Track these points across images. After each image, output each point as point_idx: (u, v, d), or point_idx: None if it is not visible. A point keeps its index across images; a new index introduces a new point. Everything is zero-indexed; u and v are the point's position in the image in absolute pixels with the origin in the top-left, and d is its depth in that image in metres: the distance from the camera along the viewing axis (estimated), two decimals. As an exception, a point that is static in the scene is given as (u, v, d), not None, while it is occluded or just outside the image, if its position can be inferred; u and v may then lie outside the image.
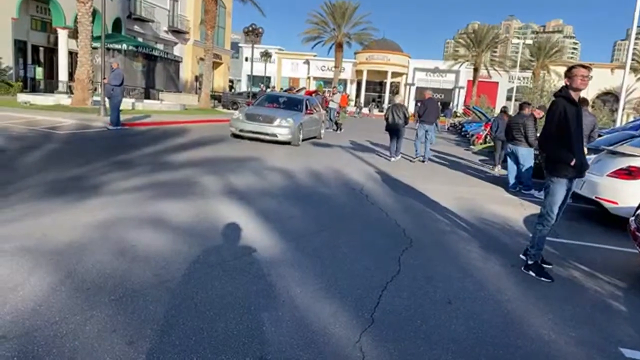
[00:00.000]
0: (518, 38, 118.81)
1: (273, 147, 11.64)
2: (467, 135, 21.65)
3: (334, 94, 20.87)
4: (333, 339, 2.82)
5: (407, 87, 53.08)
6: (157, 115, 16.38)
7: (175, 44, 35.09)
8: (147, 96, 24.36)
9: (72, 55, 22.59)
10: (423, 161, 11.93)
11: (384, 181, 8.50)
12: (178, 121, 15.77)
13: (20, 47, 22.20)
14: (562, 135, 4.02)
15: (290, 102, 14.02)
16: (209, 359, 2.48)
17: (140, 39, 28.90)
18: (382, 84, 53.63)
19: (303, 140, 12.94)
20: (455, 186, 8.78)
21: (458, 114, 41.49)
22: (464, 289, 3.79)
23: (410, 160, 12.09)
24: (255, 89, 36.22)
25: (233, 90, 42.21)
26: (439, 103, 38.79)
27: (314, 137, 14.55)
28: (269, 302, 3.19)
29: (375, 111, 47.27)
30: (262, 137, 11.95)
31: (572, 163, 4.00)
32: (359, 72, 52.91)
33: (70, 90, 20.11)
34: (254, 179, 7.43)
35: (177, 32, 34.78)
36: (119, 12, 26.58)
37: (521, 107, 9.41)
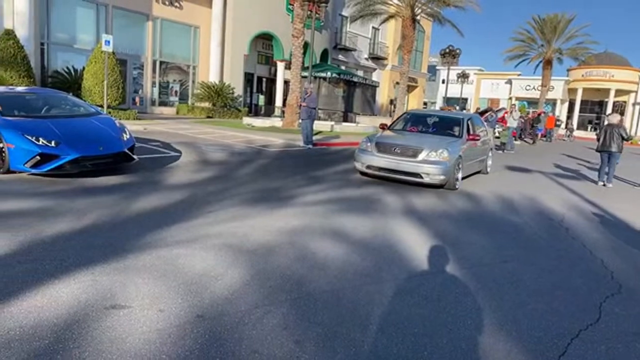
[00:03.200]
0: None
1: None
2: None
3: (511, 111, 18.92)
4: (502, 381, 2.53)
5: (637, 106, 44.75)
6: (349, 137, 17.45)
7: (374, 69, 36.99)
8: (346, 119, 26.20)
9: (287, 84, 25.93)
10: None
11: (592, 213, 7.30)
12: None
13: (248, 78, 26.49)
14: None
15: (444, 124, 9.59)
16: (365, 372, 2.51)
17: (343, 67, 31.40)
18: (601, 104, 46.41)
19: (463, 178, 8.84)
20: (695, 227, 6.96)
21: None
22: (692, 356, 2.97)
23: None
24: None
25: (427, 113, 42.11)
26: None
27: (477, 172, 10.31)
28: (434, 328, 3.05)
29: (593, 134, 41.11)
30: (399, 177, 8.08)
31: None
32: (572, 91, 46.95)
33: (282, 114, 23.04)
34: (435, 200, 7.24)
35: (376, 58, 36.67)
36: (327, 43, 29.43)
37: None
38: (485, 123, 11.08)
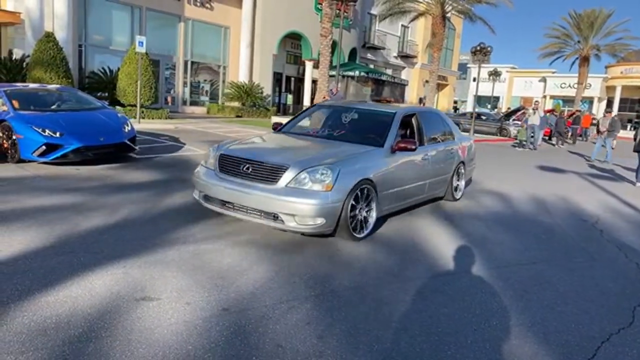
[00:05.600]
0: None
1: (488, 161, 10.84)
2: None
3: (535, 109, 18.27)
4: (526, 383, 2.49)
5: (680, 104, 42.74)
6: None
7: (403, 68, 36.65)
8: (373, 118, 26.08)
9: (315, 83, 26.01)
10: None
11: (629, 215, 7.04)
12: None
13: (277, 78, 26.70)
14: None
15: (364, 125, 5.89)
16: (387, 369, 2.51)
17: (371, 66, 31.24)
18: (642, 102, 44.57)
19: (389, 215, 5.45)
20: None
21: None
22: None
23: None
24: (481, 110, 34.84)
25: (457, 111, 41.55)
26: None
27: (437, 199, 6.66)
28: (458, 328, 3.03)
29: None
30: (245, 218, 4.56)
31: None
32: (610, 89, 45.25)
33: (310, 113, 23.13)
34: (465, 200, 7.13)
35: (405, 56, 36.31)
36: (356, 42, 29.34)
37: None
38: (451, 121, 7.23)
